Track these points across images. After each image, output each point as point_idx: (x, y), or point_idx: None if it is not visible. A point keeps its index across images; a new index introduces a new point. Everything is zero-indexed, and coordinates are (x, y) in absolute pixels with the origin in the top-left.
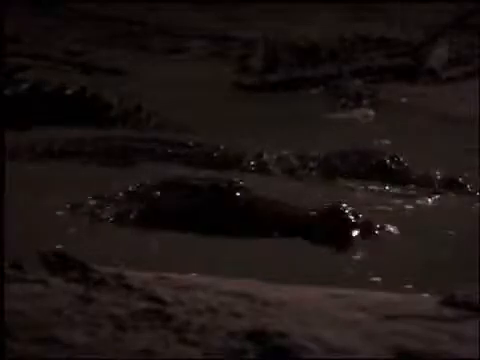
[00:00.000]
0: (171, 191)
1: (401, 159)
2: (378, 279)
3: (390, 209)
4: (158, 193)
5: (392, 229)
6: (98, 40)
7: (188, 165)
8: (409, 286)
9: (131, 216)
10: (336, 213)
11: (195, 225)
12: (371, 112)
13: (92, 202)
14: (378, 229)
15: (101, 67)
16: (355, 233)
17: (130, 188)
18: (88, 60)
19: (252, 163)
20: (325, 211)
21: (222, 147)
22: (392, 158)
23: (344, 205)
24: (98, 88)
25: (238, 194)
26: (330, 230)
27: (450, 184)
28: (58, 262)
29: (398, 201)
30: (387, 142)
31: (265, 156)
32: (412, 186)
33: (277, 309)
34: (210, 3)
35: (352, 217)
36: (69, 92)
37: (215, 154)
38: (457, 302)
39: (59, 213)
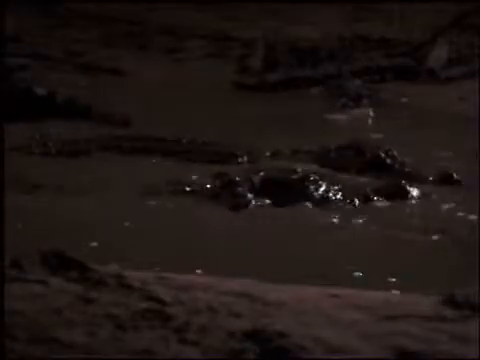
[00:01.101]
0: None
1: (395, 153)
2: None
3: None
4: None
5: None
6: (98, 40)
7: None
8: None
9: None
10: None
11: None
12: (371, 112)
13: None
14: None
15: (101, 67)
16: None
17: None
18: (88, 60)
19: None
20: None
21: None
22: (386, 152)
23: None
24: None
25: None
26: None
27: (445, 180)
28: (58, 262)
29: None
30: (387, 141)
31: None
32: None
33: (277, 309)
34: (210, 3)
35: None
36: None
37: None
38: (457, 302)
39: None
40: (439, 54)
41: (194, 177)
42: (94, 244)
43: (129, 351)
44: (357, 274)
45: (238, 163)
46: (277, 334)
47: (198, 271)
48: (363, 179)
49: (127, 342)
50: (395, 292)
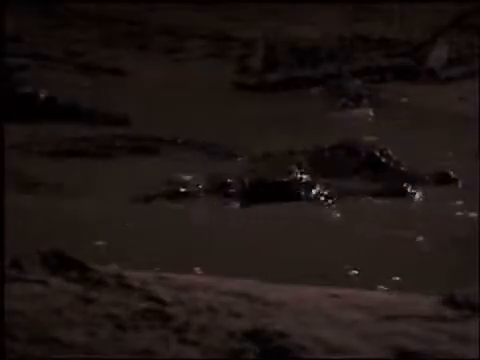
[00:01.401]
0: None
1: (390, 153)
2: None
3: None
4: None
5: None
6: (98, 40)
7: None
8: None
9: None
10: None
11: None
12: (371, 112)
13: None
14: None
15: (101, 67)
16: None
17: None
18: (88, 60)
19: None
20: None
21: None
22: (381, 152)
23: None
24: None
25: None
26: None
27: (441, 179)
28: (58, 262)
29: None
30: (387, 141)
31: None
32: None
33: (277, 309)
34: (210, 3)
35: None
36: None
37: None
38: (457, 302)
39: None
40: (439, 54)
41: (189, 177)
42: (94, 244)
43: (129, 351)
44: (354, 274)
45: (234, 163)
46: (277, 334)
47: (197, 269)
48: (358, 179)
49: (127, 342)
50: (395, 292)
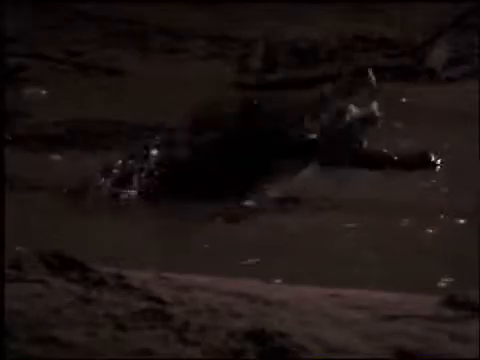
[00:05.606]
0: None
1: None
2: None
3: None
4: None
5: None
6: (98, 40)
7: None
8: None
9: None
10: None
11: None
12: None
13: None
14: None
15: (101, 67)
16: None
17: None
18: (88, 60)
19: None
20: None
21: None
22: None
23: None
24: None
25: None
26: None
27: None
28: (58, 262)
29: None
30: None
31: None
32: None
33: (277, 309)
34: (210, 3)
35: None
36: None
37: None
38: (457, 302)
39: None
40: (439, 54)
41: None
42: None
43: (129, 351)
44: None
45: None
46: (277, 334)
47: None
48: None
49: (127, 342)
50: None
